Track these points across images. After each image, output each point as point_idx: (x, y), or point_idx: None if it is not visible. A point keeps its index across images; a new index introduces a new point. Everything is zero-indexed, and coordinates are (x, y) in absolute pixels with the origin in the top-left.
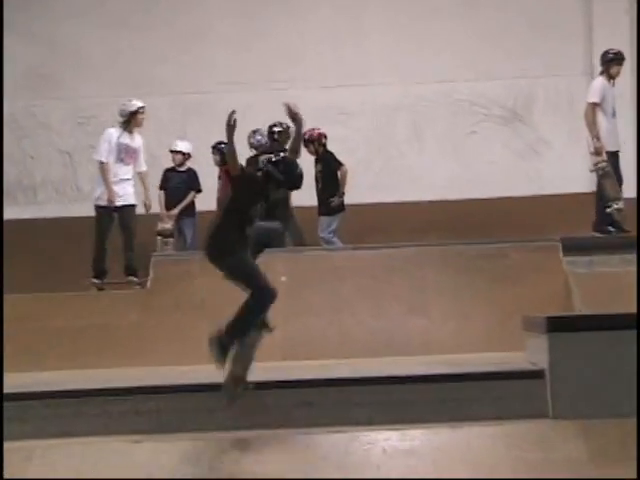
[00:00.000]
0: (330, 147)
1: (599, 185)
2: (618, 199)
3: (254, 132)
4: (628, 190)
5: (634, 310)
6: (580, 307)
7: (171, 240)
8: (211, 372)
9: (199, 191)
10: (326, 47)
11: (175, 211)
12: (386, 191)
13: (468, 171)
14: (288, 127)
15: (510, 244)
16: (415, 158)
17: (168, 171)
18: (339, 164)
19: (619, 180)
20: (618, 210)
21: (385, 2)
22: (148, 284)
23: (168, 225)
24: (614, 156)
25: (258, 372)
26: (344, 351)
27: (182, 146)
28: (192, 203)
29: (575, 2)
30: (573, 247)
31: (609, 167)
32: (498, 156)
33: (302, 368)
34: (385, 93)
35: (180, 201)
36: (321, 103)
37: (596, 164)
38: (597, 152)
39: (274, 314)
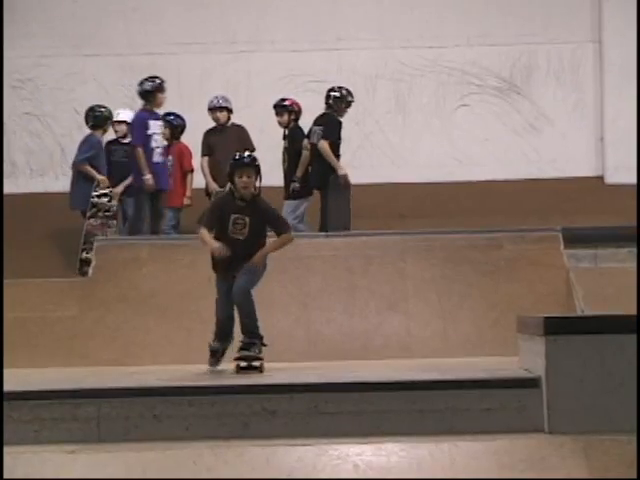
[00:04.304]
0: (300, 119)
1: None
2: None
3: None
4: None
5: None
6: (582, 307)
7: (114, 222)
8: (160, 373)
9: None
10: (298, 4)
11: (119, 189)
12: (364, 171)
13: (457, 150)
14: (348, 93)
15: (504, 234)
16: (397, 134)
17: (110, 144)
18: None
19: None
20: None
21: None
22: (90, 272)
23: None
24: None
25: (215, 376)
26: (313, 353)
27: (125, 115)
28: None
29: None
30: (576, 239)
31: None
32: (492, 133)
33: (264, 371)
34: (364, 58)
35: (125, 177)
36: (291, 68)
37: None
38: None
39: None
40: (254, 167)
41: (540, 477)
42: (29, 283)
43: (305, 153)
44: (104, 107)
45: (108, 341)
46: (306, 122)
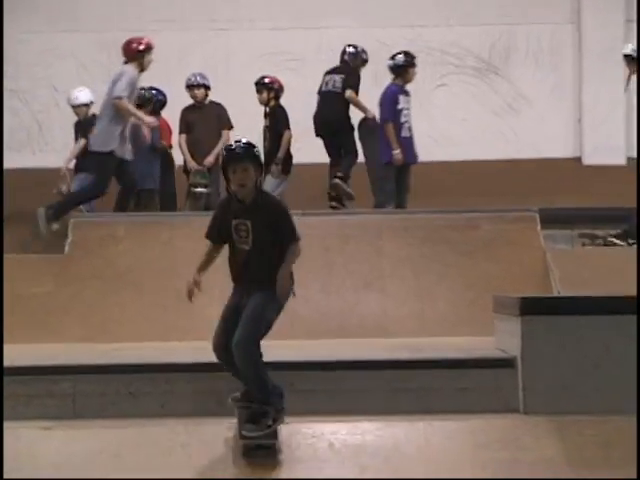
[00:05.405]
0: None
1: None
2: None
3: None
4: None
5: (620, 292)
6: (559, 288)
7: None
8: (136, 350)
9: None
10: None
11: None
12: None
13: (435, 130)
14: (362, 51)
15: (481, 214)
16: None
17: (77, 124)
18: (285, 126)
19: None
20: None
21: None
22: (65, 249)
23: (65, 186)
24: None
25: (188, 353)
26: (289, 332)
27: (83, 97)
28: None
29: None
30: (553, 219)
31: None
32: (470, 113)
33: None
34: (343, 38)
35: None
36: (269, 47)
37: None
38: None
39: (209, 287)
40: (251, 158)
41: (514, 456)
42: (5, 259)
43: (287, 134)
44: (144, 88)
45: (84, 317)
46: (285, 101)
